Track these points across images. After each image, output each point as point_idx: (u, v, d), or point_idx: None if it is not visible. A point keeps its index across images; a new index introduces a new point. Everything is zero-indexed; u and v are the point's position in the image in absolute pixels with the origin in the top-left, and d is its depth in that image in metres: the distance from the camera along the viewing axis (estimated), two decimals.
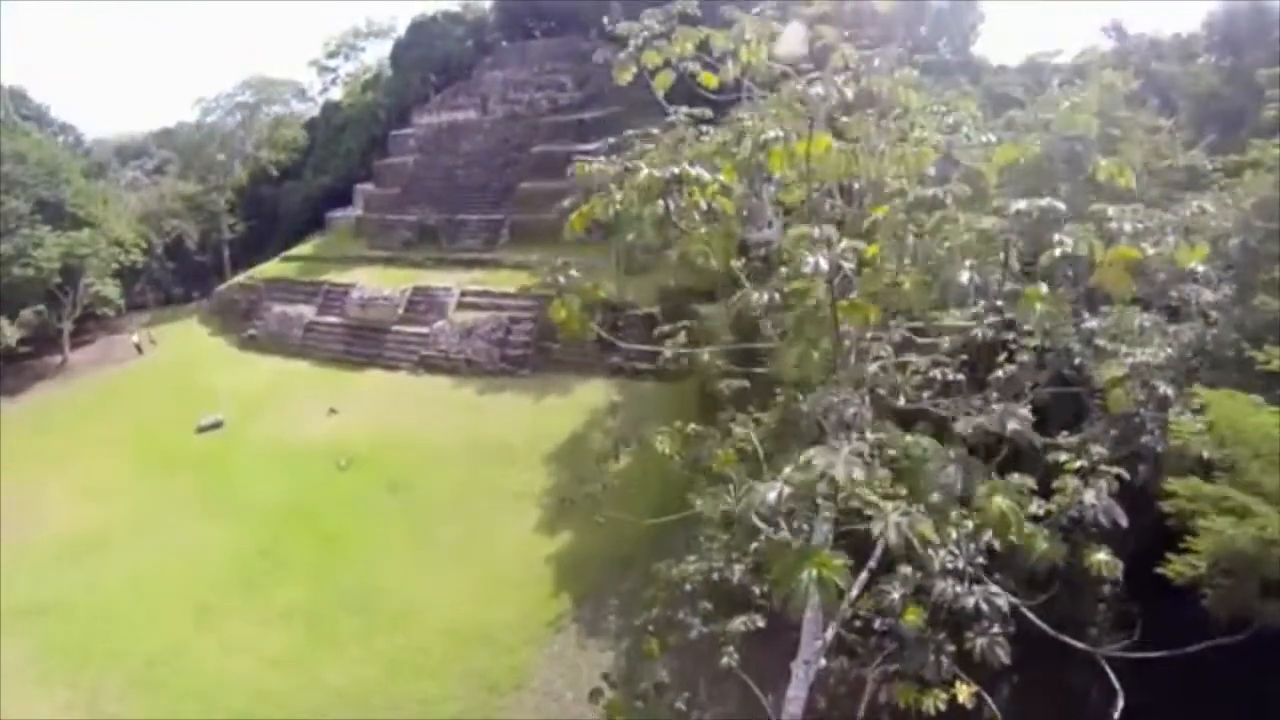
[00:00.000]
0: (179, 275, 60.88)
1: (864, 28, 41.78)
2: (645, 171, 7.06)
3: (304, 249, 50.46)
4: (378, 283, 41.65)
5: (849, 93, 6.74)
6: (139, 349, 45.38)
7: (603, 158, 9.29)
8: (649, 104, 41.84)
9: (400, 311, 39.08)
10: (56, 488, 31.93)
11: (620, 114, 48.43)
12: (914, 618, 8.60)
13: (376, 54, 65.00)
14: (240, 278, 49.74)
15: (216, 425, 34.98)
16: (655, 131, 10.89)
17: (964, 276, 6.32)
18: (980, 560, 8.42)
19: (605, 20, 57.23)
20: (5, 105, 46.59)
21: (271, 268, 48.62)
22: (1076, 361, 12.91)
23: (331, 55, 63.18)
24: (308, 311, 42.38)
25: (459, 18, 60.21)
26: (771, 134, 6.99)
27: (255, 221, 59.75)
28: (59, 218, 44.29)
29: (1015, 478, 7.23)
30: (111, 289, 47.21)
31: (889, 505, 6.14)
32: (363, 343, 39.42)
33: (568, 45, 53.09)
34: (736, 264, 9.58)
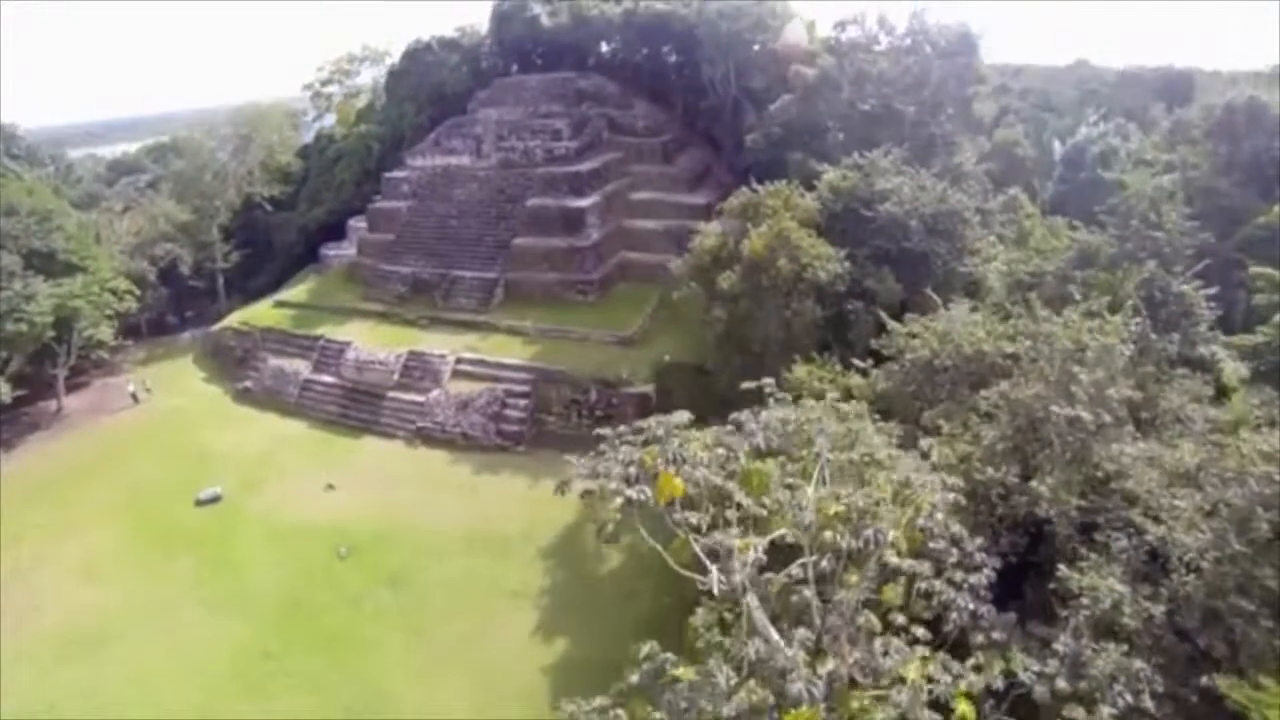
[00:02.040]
0: (173, 298, 60.63)
1: (864, 86, 42.02)
2: None
3: (299, 291, 50.27)
4: (373, 343, 41.71)
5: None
6: (134, 398, 45.37)
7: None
8: (645, 152, 42.55)
9: (396, 377, 39.24)
10: (55, 568, 32.27)
11: (617, 162, 48.42)
12: None
13: (371, 73, 63.92)
14: (235, 318, 49.54)
15: (215, 499, 35.28)
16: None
17: None
18: None
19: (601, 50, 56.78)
20: None
21: (266, 313, 48.45)
22: None
23: (325, 84, 62.17)
24: (303, 368, 42.45)
25: (455, 44, 59.18)
26: None
27: (249, 250, 59.39)
28: (51, 267, 43.98)
29: None
30: (106, 331, 46.97)
31: None
32: (359, 407, 39.62)
33: (563, 83, 52.53)
34: None
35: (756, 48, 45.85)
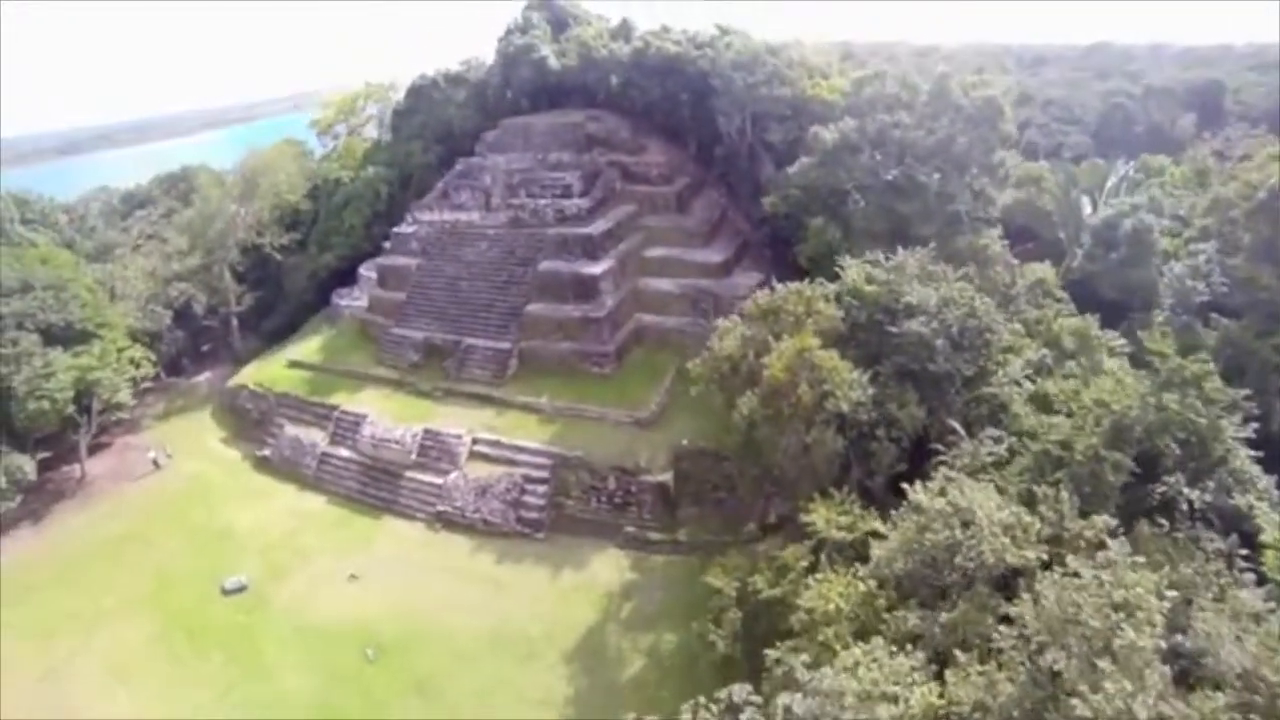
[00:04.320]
0: (188, 337, 60.81)
1: (886, 147, 40.88)
2: None
3: (312, 347, 50.19)
4: (388, 415, 41.78)
5: None
6: (156, 463, 45.87)
7: None
8: (659, 203, 42.14)
9: (413, 457, 39.38)
10: (87, 665, 33.06)
11: (630, 216, 47.52)
12: None
13: (376, 109, 62.63)
14: (250, 376, 49.59)
15: (241, 589, 35.85)
16: None
17: None
18: None
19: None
20: (9, 222, 45.60)
21: (281, 374, 48.47)
22: None
23: (329, 126, 61.05)
24: (320, 439, 42.67)
25: (460, 79, 57.81)
26: None
27: (262, 291, 59.27)
28: (68, 335, 44.12)
29: None
30: (125, 394, 47.19)
31: None
32: (377, 485, 39.90)
33: (572, 129, 51.24)
34: None
35: (774, 99, 44.37)
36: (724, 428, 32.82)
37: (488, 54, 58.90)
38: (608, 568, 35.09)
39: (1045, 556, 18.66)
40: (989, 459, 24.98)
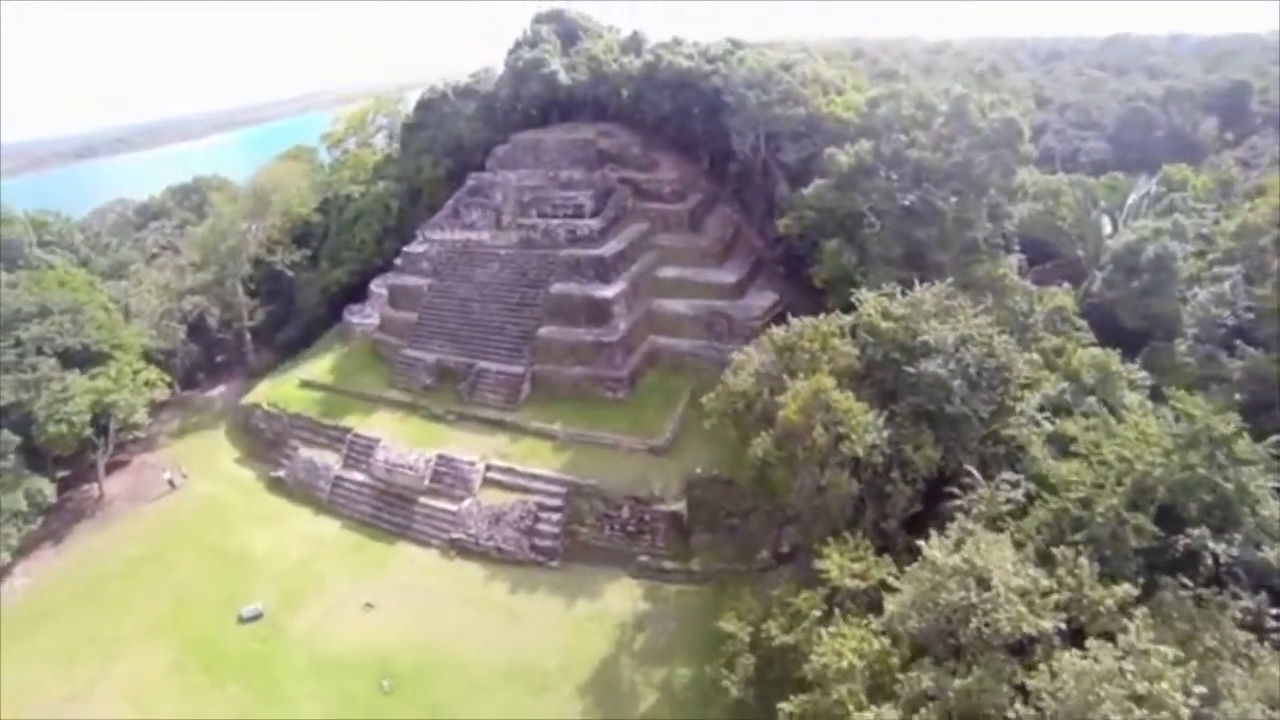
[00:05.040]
0: (202, 349, 61.26)
1: (902, 168, 40.26)
2: None
3: (324, 367, 50.34)
4: (401, 439, 41.89)
5: None
6: (172, 484, 46.32)
7: None
8: (672, 221, 41.83)
9: (426, 482, 39.47)
10: (107, 692, 33.48)
11: (642, 235, 47.17)
12: None
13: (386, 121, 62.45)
14: (263, 395, 49.81)
15: (257, 616, 36.16)
16: None
17: None
18: None
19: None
20: (28, 246, 46.06)
21: (294, 394, 48.67)
22: None
23: (340, 141, 60.96)
24: (334, 462, 42.87)
25: (470, 91, 57.49)
26: None
27: (274, 304, 59.54)
28: (85, 357, 44.55)
29: None
30: (141, 414, 47.53)
31: None
32: (391, 510, 40.06)
33: (584, 145, 50.81)
34: None
35: (788, 118, 43.78)
36: (737, 460, 32.68)
37: (499, 58, 58.33)
38: (621, 597, 35.12)
39: (1063, 625, 18.41)
40: (1005, 507, 24.66)
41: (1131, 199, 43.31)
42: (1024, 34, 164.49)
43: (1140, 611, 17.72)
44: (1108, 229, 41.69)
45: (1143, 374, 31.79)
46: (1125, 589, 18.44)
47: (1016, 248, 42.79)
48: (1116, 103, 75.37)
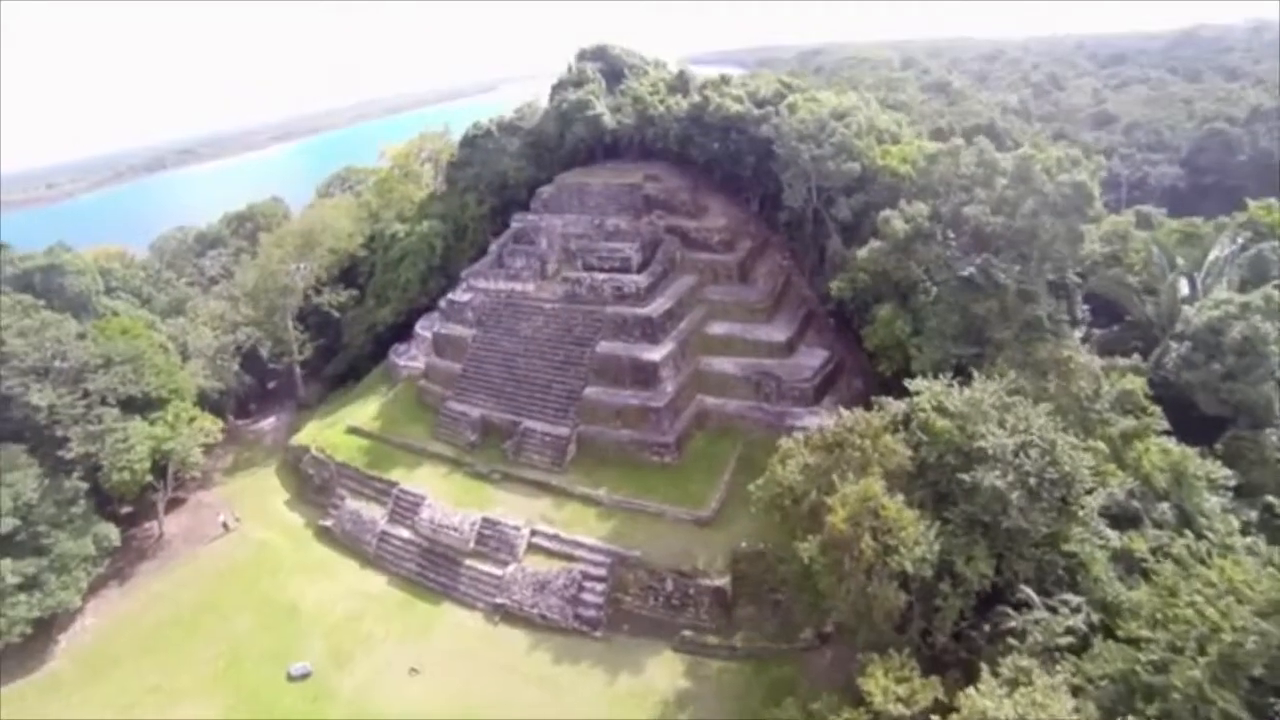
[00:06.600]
0: (254, 380, 63.10)
1: (961, 229, 38.64)
2: None
3: (370, 412, 51.20)
4: (446, 500, 42.32)
5: None
6: (225, 526, 47.93)
7: None
8: (720, 272, 41.25)
9: (471, 545, 39.86)
10: None
11: (691, 290, 46.38)
12: None
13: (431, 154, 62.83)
14: (312, 437, 51.01)
15: (306, 675, 37.17)
16: None
17: None
18: None
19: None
20: (95, 295, 47.90)
21: (341, 440, 49.65)
22: None
23: (389, 188, 61.71)
24: (379, 516, 43.64)
25: (515, 127, 57.27)
26: None
27: (323, 339, 60.83)
28: (144, 405, 46.15)
29: None
30: (197, 455, 49.16)
31: None
32: (436, 569, 40.61)
33: (630, 191, 50.13)
34: None
35: (841, 173, 42.36)
36: (783, 545, 32.04)
37: (542, 97, 58.04)
38: (664, 672, 34.97)
39: None
40: (1064, 640, 23.56)
41: (1212, 255, 40.52)
42: (1083, 31, 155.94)
43: None
44: (1184, 289, 39.17)
45: (1225, 472, 29.81)
46: None
47: (1083, 313, 40.68)
48: (1191, 122, 70.79)
